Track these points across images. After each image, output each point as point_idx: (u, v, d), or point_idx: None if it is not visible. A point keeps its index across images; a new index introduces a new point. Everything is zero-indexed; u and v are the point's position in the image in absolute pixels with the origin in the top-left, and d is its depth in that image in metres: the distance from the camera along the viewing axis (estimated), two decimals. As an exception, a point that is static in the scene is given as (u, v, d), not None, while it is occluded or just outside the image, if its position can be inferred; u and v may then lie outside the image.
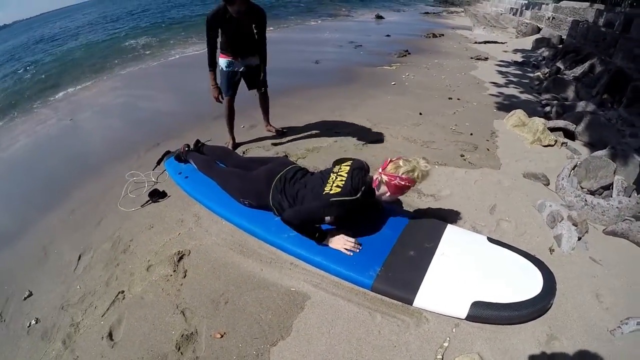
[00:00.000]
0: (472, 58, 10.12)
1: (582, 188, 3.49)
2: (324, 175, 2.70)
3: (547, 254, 2.75)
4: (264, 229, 2.80)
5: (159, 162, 3.99)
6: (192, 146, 3.78)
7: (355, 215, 2.74)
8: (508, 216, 3.15)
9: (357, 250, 2.57)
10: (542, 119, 4.82)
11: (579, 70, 7.40)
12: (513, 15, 17.26)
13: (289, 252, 2.69)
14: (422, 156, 2.56)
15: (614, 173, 3.49)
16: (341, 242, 2.58)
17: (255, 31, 3.99)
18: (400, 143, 4.65)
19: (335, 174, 2.62)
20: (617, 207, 3.08)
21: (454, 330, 2.17)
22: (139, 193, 3.64)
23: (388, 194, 2.55)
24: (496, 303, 2.17)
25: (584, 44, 8.88)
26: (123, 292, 2.50)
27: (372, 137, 4.81)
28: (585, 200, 3.20)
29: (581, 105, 5.68)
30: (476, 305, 2.17)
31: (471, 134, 4.89)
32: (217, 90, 4.13)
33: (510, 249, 2.58)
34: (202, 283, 2.49)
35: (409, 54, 10.59)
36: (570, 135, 4.89)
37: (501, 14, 19.56)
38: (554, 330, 2.17)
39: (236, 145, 4.57)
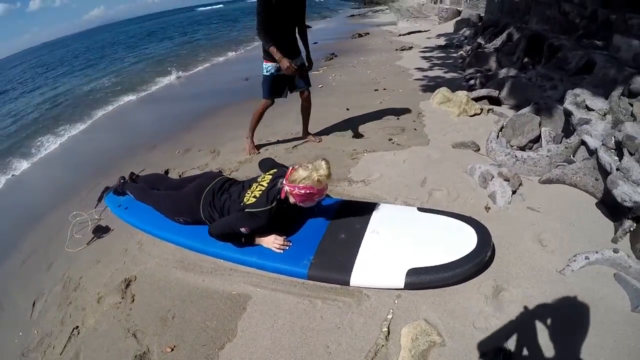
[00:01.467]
0: (396, 50, 10.29)
1: (511, 146, 3.53)
2: (249, 184, 2.70)
3: (484, 213, 2.76)
4: (201, 242, 2.74)
5: (99, 199, 3.90)
6: (127, 178, 3.71)
7: (281, 219, 2.66)
8: (439, 185, 3.15)
9: (287, 247, 2.54)
10: (464, 92, 4.92)
11: (498, 41, 7.60)
12: (434, 4, 17.73)
13: (227, 259, 2.66)
14: (322, 158, 2.49)
15: (539, 125, 3.56)
16: (271, 241, 2.56)
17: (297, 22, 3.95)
18: (330, 140, 4.62)
19: (258, 184, 2.63)
20: (547, 156, 3.12)
21: (396, 302, 2.13)
22: (84, 232, 3.54)
23: (299, 203, 2.52)
24: (431, 266, 2.14)
25: (500, 17, 9.18)
26: (77, 327, 2.45)
27: (302, 139, 4.72)
28: (516, 156, 3.23)
29: (503, 72, 5.81)
30: (412, 272, 2.14)
31: (397, 118, 4.94)
32: (288, 60, 3.86)
33: (441, 214, 2.57)
34: (149, 304, 2.46)
35: (336, 56, 10.67)
36: (495, 101, 5.00)
37: (422, 4, 20.05)
38: (499, 282, 2.16)
39: (257, 147, 4.57)
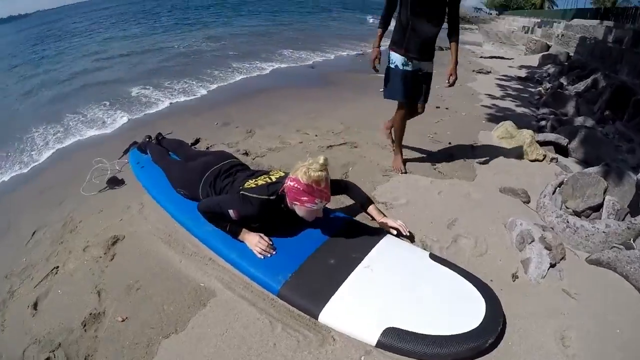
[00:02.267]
0: (473, 71, 9.62)
1: (567, 208, 2.97)
2: (259, 174, 2.48)
3: (509, 281, 2.24)
4: (192, 220, 2.53)
5: (125, 152, 3.98)
6: (152, 137, 3.76)
7: (276, 220, 2.39)
8: (469, 232, 2.67)
9: (269, 254, 2.23)
10: (530, 131, 4.34)
11: (581, 85, 6.84)
12: (524, 33, 16.78)
13: (209, 246, 2.44)
14: (323, 156, 2.16)
15: (605, 192, 2.93)
16: (254, 241, 2.26)
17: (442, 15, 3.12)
18: (367, 148, 4.21)
19: (267, 175, 2.41)
20: (603, 232, 2.52)
21: (362, 358, 1.75)
22: (102, 179, 3.65)
23: (289, 202, 2.23)
24: (414, 332, 1.73)
25: (589, 60, 8.39)
26: (57, 267, 2.51)
27: (340, 140, 4.37)
28: (568, 222, 2.65)
29: (579, 120, 5.13)
30: (390, 332, 1.75)
31: (449, 143, 4.42)
32: (377, 52, 3.23)
33: (454, 270, 2.12)
34: (124, 267, 2.41)
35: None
36: (562, 151, 4.35)
37: (513, 31, 19.08)
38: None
39: (403, 163, 3.67)
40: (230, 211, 2.22)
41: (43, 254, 2.73)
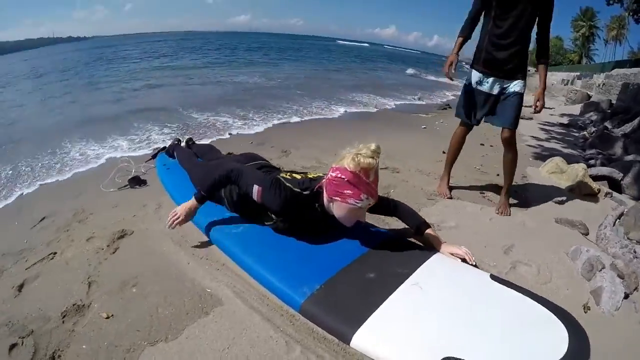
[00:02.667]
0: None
1: (629, 240, 2.58)
2: (294, 172, 2.13)
3: (580, 313, 1.82)
4: (209, 221, 2.22)
5: (153, 156, 3.80)
6: (182, 141, 3.66)
7: (302, 219, 2.03)
8: (529, 259, 2.26)
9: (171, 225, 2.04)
10: (582, 164, 3.94)
11: (628, 127, 6.40)
12: (564, 85, 16.48)
13: (225, 249, 2.08)
14: (375, 143, 1.84)
15: None
16: (179, 209, 2.10)
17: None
18: (409, 174, 3.89)
19: (305, 174, 2.08)
20: None
21: None
22: (124, 178, 3.51)
23: (326, 199, 1.88)
24: None
25: (633, 104, 7.98)
26: (55, 253, 2.33)
27: (381, 164, 3.99)
28: (635, 252, 2.27)
29: (629, 159, 4.76)
30: None
31: (497, 175, 4.00)
32: (453, 58, 2.89)
33: (523, 292, 1.68)
34: (125, 262, 2.16)
35: (450, 107, 9.78)
36: (616, 186, 3.94)
37: (552, 84, 18.79)
38: None
39: (449, 188, 3.36)
40: (255, 187, 1.89)
41: (45, 238, 2.58)
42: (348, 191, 1.73)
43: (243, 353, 1.48)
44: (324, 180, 1.86)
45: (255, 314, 1.69)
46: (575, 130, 7.98)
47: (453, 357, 1.27)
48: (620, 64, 16.08)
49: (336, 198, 1.78)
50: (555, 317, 1.49)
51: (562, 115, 10.27)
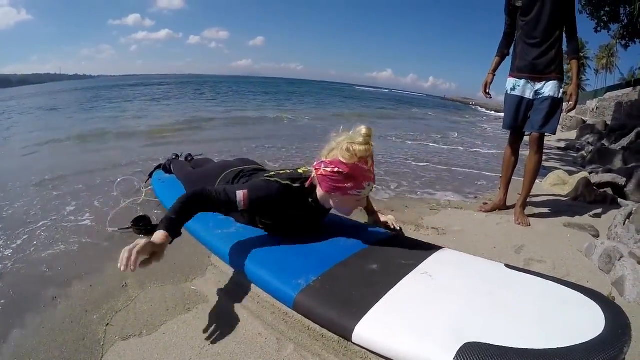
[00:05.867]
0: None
1: None
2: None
3: None
4: (202, 225, 2.00)
5: (150, 175, 3.55)
6: (179, 156, 3.52)
7: (295, 214, 1.83)
8: (542, 256, 2.15)
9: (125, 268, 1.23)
10: (585, 172, 3.89)
11: (625, 141, 6.38)
12: (558, 114, 16.57)
13: (215, 250, 1.89)
14: (365, 126, 1.63)
15: None
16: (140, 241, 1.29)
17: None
18: (412, 186, 3.86)
19: (293, 170, 1.89)
20: None
21: None
22: (127, 195, 3.15)
23: (322, 194, 1.72)
24: (514, 348, 1.07)
25: (628, 120, 7.99)
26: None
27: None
28: None
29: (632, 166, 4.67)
30: (470, 348, 1.08)
31: (499, 188, 3.90)
32: (490, 77, 2.99)
33: (544, 277, 1.53)
34: None
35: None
36: (620, 192, 3.86)
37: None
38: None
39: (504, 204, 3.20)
40: (239, 193, 1.62)
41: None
42: (349, 184, 1.60)
43: (226, 350, 1.32)
44: (318, 172, 1.68)
45: (243, 311, 1.54)
46: (573, 152, 7.94)
47: (477, 342, 1.11)
48: (611, 89, 16.20)
49: (336, 192, 1.65)
50: (584, 296, 1.35)
51: (559, 140, 10.23)
